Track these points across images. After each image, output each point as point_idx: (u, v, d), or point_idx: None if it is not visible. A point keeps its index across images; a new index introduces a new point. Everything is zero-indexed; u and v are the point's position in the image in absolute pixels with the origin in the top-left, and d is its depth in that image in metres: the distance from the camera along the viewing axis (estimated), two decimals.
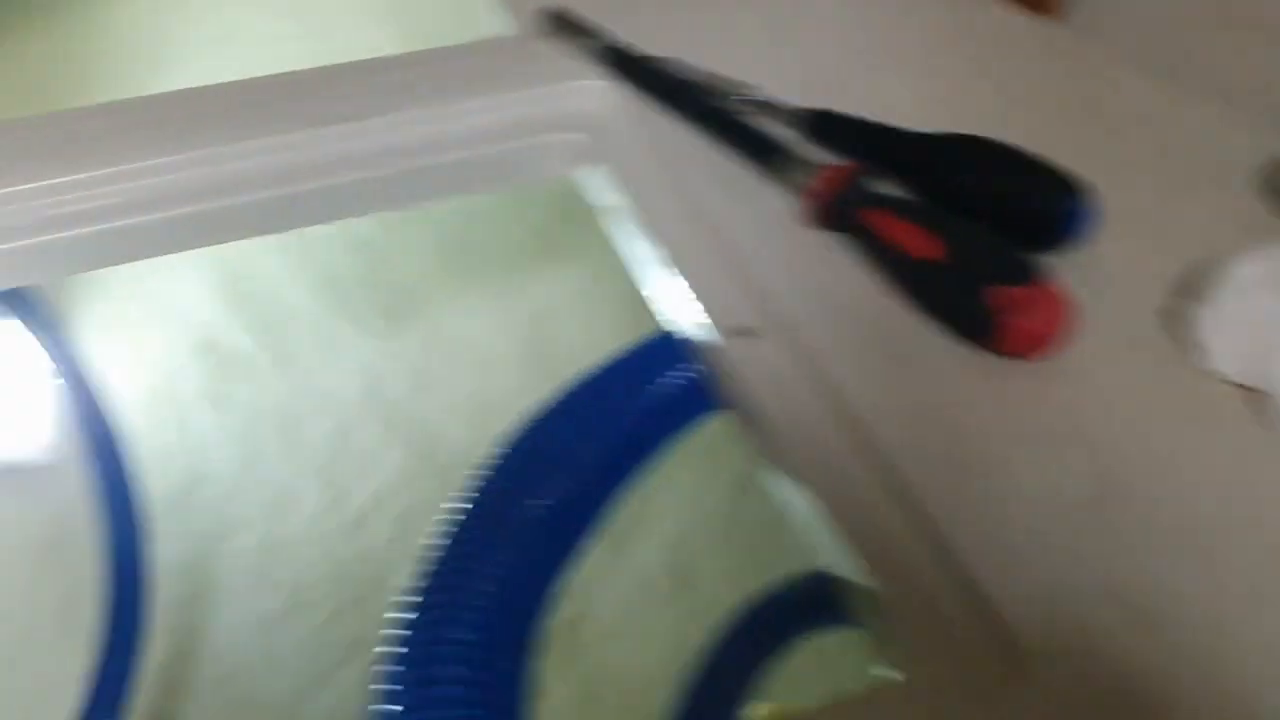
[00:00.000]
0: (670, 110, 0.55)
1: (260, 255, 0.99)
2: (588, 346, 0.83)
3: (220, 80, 0.55)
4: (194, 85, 0.54)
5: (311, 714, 0.84)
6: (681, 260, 0.52)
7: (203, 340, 1.01)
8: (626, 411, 0.45)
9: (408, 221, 0.93)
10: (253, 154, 0.53)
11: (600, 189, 0.57)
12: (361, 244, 0.94)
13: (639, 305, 0.82)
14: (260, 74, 0.56)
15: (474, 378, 0.89)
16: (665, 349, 0.49)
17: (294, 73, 0.57)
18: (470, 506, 0.43)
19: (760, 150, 0.51)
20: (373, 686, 0.36)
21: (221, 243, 0.58)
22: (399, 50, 0.57)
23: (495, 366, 0.87)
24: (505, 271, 0.87)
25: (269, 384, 0.98)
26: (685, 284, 0.51)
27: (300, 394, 0.96)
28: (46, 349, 0.74)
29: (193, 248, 0.57)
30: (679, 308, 0.51)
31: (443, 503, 0.88)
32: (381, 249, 0.93)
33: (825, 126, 0.53)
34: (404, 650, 0.35)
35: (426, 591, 0.39)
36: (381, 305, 0.94)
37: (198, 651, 0.88)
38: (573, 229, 0.83)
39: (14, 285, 0.69)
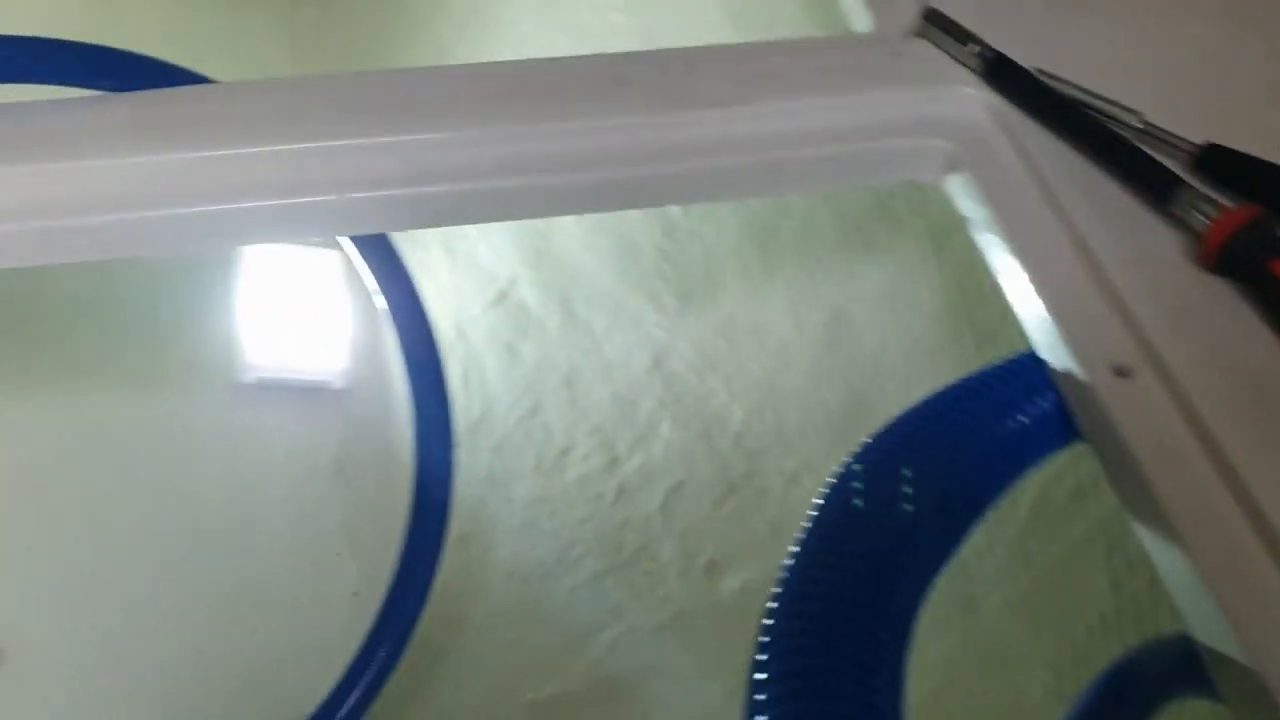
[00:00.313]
0: (1049, 126, 0.52)
1: (564, 218, 1.02)
2: (888, 352, 0.81)
3: (549, 54, 0.56)
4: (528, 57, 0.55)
5: (570, 670, 0.87)
6: (1049, 284, 0.49)
7: (498, 294, 1.05)
8: (991, 431, 0.44)
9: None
10: (613, 131, 0.54)
11: (960, 199, 0.55)
12: (664, 218, 0.95)
13: (951, 318, 0.79)
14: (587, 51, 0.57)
15: (762, 366, 0.88)
16: (1028, 373, 0.46)
17: (657, 51, 0.58)
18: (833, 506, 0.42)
19: (1154, 181, 0.47)
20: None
21: (569, 214, 0.59)
22: (736, 39, 0.57)
23: (787, 358, 0.87)
24: (810, 264, 0.86)
25: (556, 344, 1.01)
26: (1050, 309, 0.49)
27: (585, 357, 0.99)
28: (382, 280, 0.78)
29: (543, 216, 0.59)
30: (1041, 333, 0.49)
31: (714, 485, 0.88)
32: (684, 226, 0.94)
33: (1217, 163, 0.50)
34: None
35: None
36: (677, 281, 0.94)
37: (472, 591, 0.93)
38: (888, 231, 0.81)
39: (380, 230, 0.73)
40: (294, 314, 1.10)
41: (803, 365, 0.87)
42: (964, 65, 0.54)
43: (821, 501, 0.47)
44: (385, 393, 1.04)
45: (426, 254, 1.09)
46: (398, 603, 0.80)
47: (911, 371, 0.80)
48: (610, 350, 0.97)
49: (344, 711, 0.80)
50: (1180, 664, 0.42)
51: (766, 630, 0.41)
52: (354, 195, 0.54)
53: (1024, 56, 0.54)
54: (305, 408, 1.07)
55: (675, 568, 0.89)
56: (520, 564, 0.95)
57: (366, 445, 1.06)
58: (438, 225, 0.59)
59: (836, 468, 0.47)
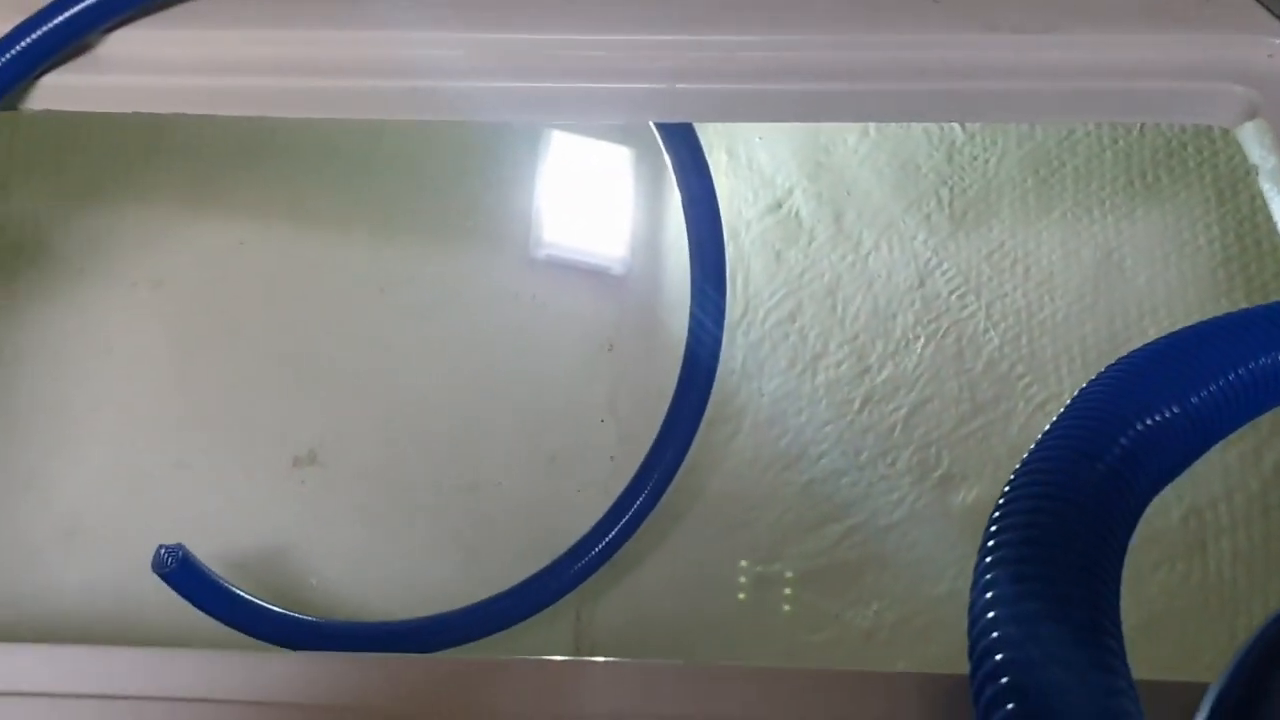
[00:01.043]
0: None
1: (846, 132, 1.06)
2: (1155, 296, 0.82)
3: None
4: None
5: (795, 553, 0.94)
6: None
7: (774, 201, 1.11)
8: (1243, 363, 0.46)
9: (998, 130, 0.96)
10: (927, 46, 0.58)
11: (1252, 146, 0.56)
12: (948, 142, 0.98)
13: (1226, 270, 0.79)
14: None
15: (1025, 295, 0.91)
16: None
17: None
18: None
19: None
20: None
21: (866, 121, 0.64)
22: None
23: (1050, 290, 0.89)
24: (1089, 202, 0.87)
25: (823, 253, 1.06)
26: None
27: (850, 270, 1.03)
28: (682, 175, 0.86)
29: (840, 120, 0.64)
30: None
31: (959, 404, 0.92)
32: (967, 151, 0.96)
33: None
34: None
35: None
36: (951, 204, 0.97)
37: (716, 470, 1.01)
38: (1173, 178, 0.81)
39: (684, 120, 0.80)
40: (586, 202, 1.19)
41: (1066, 299, 0.89)
42: (1273, 13, 0.55)
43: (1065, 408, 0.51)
44: (661, 283, 1.13)
45: (709, 155, 1.15)
46: (654, 464, 0.89)
47: (1177, 318, 0.81)
48: (875, 264, 1.01)
49: (595, 551, 0.90)
50: None
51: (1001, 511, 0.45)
52: (678, 85, 0.61)
53: None
54: (588, 288, 1.17)
55: (910, 476, 0.94)
56: (763, 453, 1.02)
57: (638, 329, 1.15)
58: (743, 120, 0.66)
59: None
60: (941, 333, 0.96)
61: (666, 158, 0.89)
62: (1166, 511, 0.79)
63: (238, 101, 0.66)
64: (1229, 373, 0.49)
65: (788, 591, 0.94)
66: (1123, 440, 0.46)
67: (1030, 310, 0.91)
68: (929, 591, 0.87)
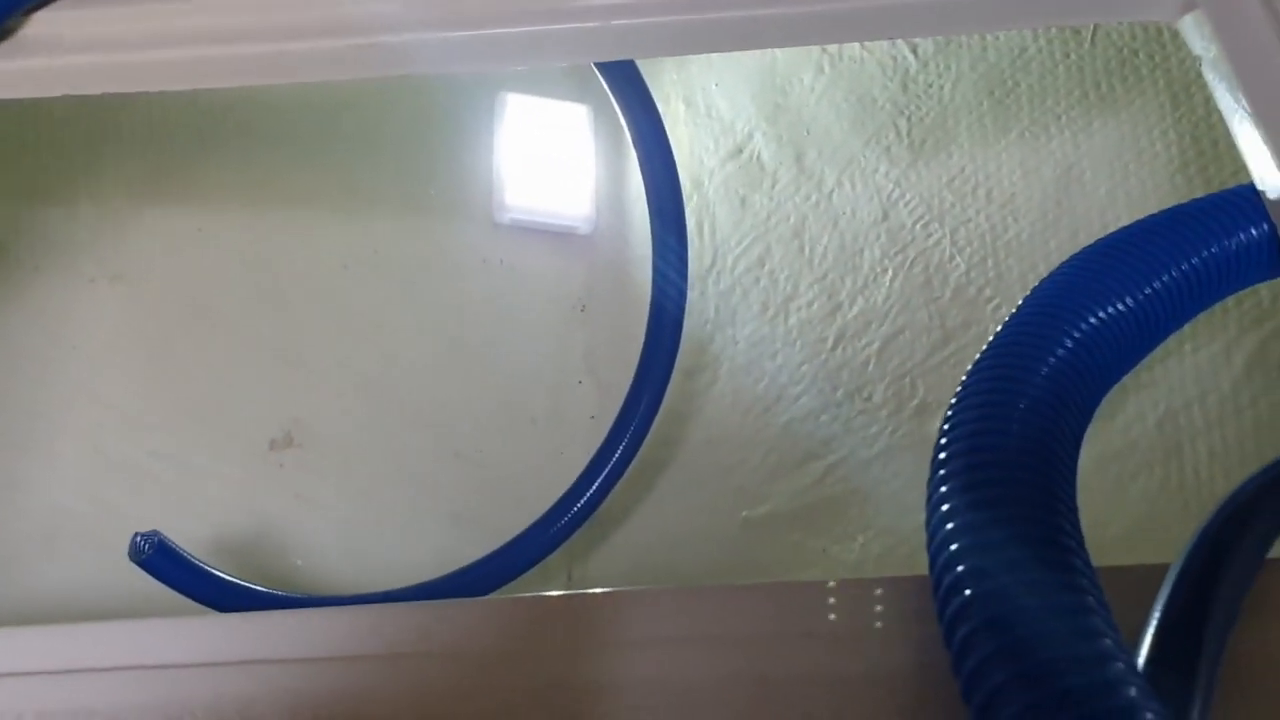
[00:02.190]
0: None
1: (801, 71, 1.06)
2: (1116, 206, 0.81)
3: None
4: None
5: (782, 492, 0.94)
6: (1272, 115, 0.51)
7: (735, 147, 1.10)
8: (1193, 254, 0.46)
9: (951, 54, 0.95)
10: None
11: (1193, 37, 0.56)
12: (902, 71, 0.97)
13: (1184, 174, 0.79)
14: None
15: (988, 218, 0.90)
16: (1244, 203, 0.48)
17: None
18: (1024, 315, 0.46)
19: None
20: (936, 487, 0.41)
21: (820, 44, 0.63)
22: None
23: (1013, 210, 0.88)
24: (1046, 119, 0.87)
25: (787, 195, 1.05)
26: (1268, 139, 0.50)
27: (814, 209, 1.03)
28: (632, 123, 0.85)
29: (781, 45, 0.63)
30: (1258, 163, 0.51)
31: (930, 332, 0.92)
32: (921, 79, 0.96)
33: None
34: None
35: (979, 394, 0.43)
36: (908, 134, 0.97)
37: (696, 418, 1.01)
38: (1126, 87, 0.80)
39: (629, 57, 0.79)
40: (546, 163, 1.18)
41: (1029, 218, 0.88)
42: None
43: (1016, 309, 0.50)
44: (628, 239, 1.12)
45: (666, 107, 1.15)
46: (630, 413, 0.89)
47: None
48: (839, 202, 1.01)
49: (575, 509, 0.90)
50: None
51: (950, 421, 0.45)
52: (614, 22, 0.60)
53: None
54: (556, 250, 1.16)
55: (887, 409, 0.94)
56: (742, 398, 1.02)
57: (609, 288, 1.14)
58: (684, 53, 0.65)
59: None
60: (909, 264, 0.95)
61: (617, 110, 0.88)
62: (1143, 418, 0.79)
63: (174, 75, 0.65)
64: (1177, 266, 0.49)
65: (775, 531, 0.94)
66: (1075, 334, 0.45)
67: (994, 233, 0.90)
68: (912, 521, 0.87)
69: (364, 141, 1.13)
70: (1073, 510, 0.38)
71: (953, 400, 0.43)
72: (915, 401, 0.93)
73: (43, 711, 0.38)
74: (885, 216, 0.98)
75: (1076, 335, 0.45)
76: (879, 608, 0.42)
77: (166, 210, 1.08)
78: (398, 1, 0.63)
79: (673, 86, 1.15)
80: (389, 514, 1.01)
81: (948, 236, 0.93)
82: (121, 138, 1.10)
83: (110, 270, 1.06)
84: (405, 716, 0.39)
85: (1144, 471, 0.78)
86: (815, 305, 1.01)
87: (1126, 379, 0.81)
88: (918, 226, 0.96)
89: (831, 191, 1.02)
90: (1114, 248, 0.50)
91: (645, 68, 0.94)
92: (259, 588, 0.80)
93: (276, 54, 0.63)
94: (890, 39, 0.92)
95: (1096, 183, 0.86)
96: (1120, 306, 0.47)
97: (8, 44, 0.62)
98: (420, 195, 1.14)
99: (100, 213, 1.08)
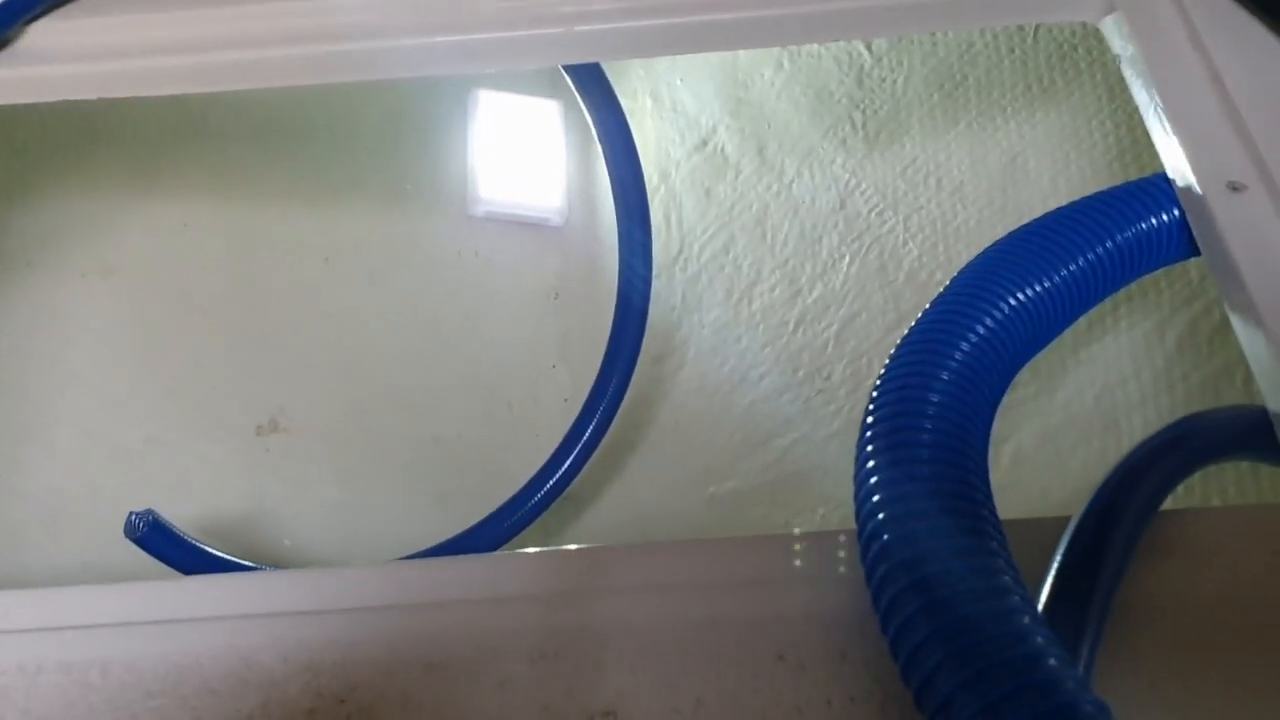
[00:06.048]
0: None
1: (762, 66, 1.10)
2: (1058, 193, 0.86)
3: None
4: None
5: (747, 469, 0.99)
6: (1181, 110, 0.56)
7: (700, 140, 1.15)
8: (1106, 238, 0.51)
9: (903, 51, 1.00)
10: None
11: (1113, 37, 0.61)
12: (857, 67, 1.02)
13: (1121, 162, 0.84)
14: None
15: (939, 205, 0.95)
16: (1157, 190, 0.53)
17: None
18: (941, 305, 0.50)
19: None
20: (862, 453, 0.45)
21: (775, 46, 0.68)
22: None
23: (962, 198, 0.93)
24: (992, 111, 0.91)
25: (749, 185, 1.10)
26: (1178, 132, 0.55)
27: (775, 199, 1.08)
28: (598, 120, 0.90)
29: (736, 48, 0.68)
30: (1170, 154, 0.55)
31: (884, 314, 0.96)
32: (875, 74, 1.00)
33: None
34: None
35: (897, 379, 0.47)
36: (864, 126, 1.01)
37: (664, 401, 1.05)
38: (1067, 80, 0.85)
39: (594, 60, 0.83)
40: (518, 156, 1.22)
41: (977, 205, 0.93)
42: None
43: (943, 289, 0.55)
44: (598, 230, 1.16)
45: (634, 102, 1.19)
46: (599, 396, 0.93)
47: None
48: (799, 191, 1.06)
49: (547, 486, 0.94)
50: (1248, 430, 0.49)
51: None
52: (577, 28, 0.65)
53: None
54: (529, 241, 1.20)
55: (845, 388, 0.98)
56: (708, 381, 1.06)
57: (581, 277, 1.19)
58: (642, 56, 0.69)
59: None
60: (865, 250, 1.00)
61: (584, 109, 0.92)
62: (1081, 394, 0.84)
63: (162, 81, 0.69)
64: (1093, 249, 0.53)
65: (740, 506, 0.98)
66: (995, 314, 0.50)
67: (945, 219, 0.95)
68: None
69: (341, 138, 1.17)
70: (983, 468, 0.43)
71: (881, 371, 0.48)
72: (871, 380, 0.97)
73: (63, 661, 0.43)
74: (842, 205, 1.03)
75: (996, 315, 0.50)
76: (842, 553, 0.46)
77: (154, 207, 1.12)
78: (373, 9, 0.67)
79: (640, 82, 1.20)
80: (373, 495, 1.05)
81: (901, 223, 0.98)
82: (108, 139, 1.14)
83: (102, 264, 1.09)
84: (392, 664, 0.43)
85: (1083, 444, 0.83)
86: (777, 290, 1.05)
87: (1066, 357, 0.86)
88: (873, 214, 1.00)
89: (792, 181, 1.07)
90: (1034, 234, 0.54)
91: (613, 66, 0.99)
92: (248, 563, 0.85)
93: (258, 60, 0.67)
94: (845, 40, 0.97)
95: (1040, 170, 0.91)
96: (1039, 288, 0.52)
97: (6, 53, 0.66)
98: (396, 189, 1.18)
99: (90, 210, 1.12)
